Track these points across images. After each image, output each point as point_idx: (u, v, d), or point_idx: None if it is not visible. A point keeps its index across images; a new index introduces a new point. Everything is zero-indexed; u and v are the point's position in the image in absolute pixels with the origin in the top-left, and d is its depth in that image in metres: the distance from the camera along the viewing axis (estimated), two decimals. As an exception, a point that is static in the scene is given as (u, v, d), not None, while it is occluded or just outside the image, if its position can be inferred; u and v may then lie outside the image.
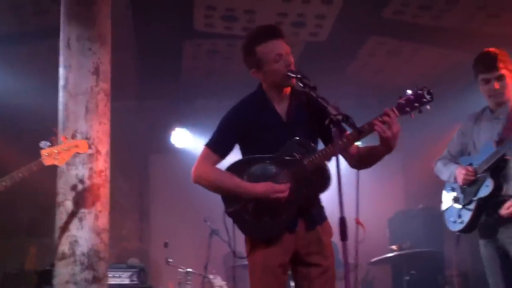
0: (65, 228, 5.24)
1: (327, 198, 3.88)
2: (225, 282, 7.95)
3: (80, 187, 5.29)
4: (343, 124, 3.42)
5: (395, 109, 3.65)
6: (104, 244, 5.34)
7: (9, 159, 7.07)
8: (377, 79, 9.75)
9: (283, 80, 3.83)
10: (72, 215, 5.24)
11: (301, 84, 3.67)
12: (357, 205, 3.47)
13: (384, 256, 8.21)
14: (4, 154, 8.51)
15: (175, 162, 9.75)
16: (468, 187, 4.74)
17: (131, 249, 9.66)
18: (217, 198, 3.95)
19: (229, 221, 3.88)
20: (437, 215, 6.29)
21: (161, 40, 8.23)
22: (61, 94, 5.51)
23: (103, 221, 5.35)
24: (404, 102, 3.68)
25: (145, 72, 9.22)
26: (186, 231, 9.61)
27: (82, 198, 5.28)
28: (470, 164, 4.77)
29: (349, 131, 3.64)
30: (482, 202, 4.63)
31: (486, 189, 4.59)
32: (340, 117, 3.37)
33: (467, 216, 4.74)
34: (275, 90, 3.93)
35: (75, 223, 5.24)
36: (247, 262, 3.94)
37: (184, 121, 10.20)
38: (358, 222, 3.34)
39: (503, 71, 4.70)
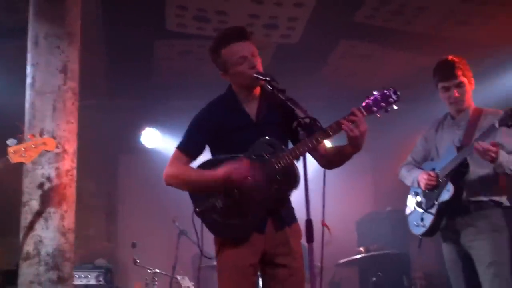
0: (30, 227, 5.19)
1: (295, 200, 3.90)
2: (193, 283, 7.92)
3: (46, 186, 5.25)
4: (311, 127, 3.43)
5: (362, 109, 3.70)
6: (69, 244, 5.30)
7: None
8: (349, 82, 9.79)
9: (251, 82, 3.84)
10: (38, 214, 5.20)
11: (269, 87, 3.68)
12: (323, 207, 3.47)
13: (351, 258, 8.25)
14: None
15: (145, 162, 9.71)
16: (430, 192, 4.82)
17: (99, 249, 9.58)
18: (186, 198, 3.94)
19: (198, 221, 3.87)
20: (404, 217, 6.35)
21: (133, 39, 8.18)
22: (28, 92, 5.46)
23: (69, 221, 5.31)
24: (371, 102, 3.74)
25: (116, 71, 9.15)
26: (155, 232, 9.58)
27: (48, 198, 5.24)
28: (433, 169, 4.86)
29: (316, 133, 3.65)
30: (443, 206, 4.71)
31: (447, 194, 4.67)
32: (307, 120, 3.39)
33: (428, 220, 4.82)
34: (244, 91, 3.94)
35: (40, 223, 5.20)
36: (215, 263, 3.94)
37: (154, 121, 10.16)
38: (324, 225, 3.34)
39: (462, 79, 4.80)
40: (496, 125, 4.39)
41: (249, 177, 3.71)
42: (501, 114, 4.42)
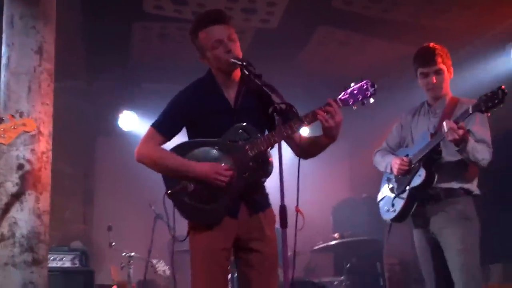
0: (5, 210, 5.15)
1: (271, 186, 3.91)
2: (169, 267, 7.94)
3: (21, 168, 5.21)
4: (286, 113, 3.44)
5: (338, 100, 3.72)
6: (44, 226, 5.27)
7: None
8: (326, 69, 9.80)
9: (227, 67, 3.83)
10: (12, 196, 5.16)
11: (246, 72, 3.68)
12: (297, 193, 3.49)
13: (326, 244, 8.31)
14: None
15: (122, 145, 9.65)
16: (403, 177, 4.86)
17: (74, 232, 9.55)
18: (162, 183, 3.93)
19: (171, 204, 3.88)
20: (380, 204, 6.42)
21: (110, 21, 8.12)
22: (3, 73, 5.40)
23: (44, 203, 5.29)
24: (347, 94, 3.75)
25: (93, 53, 9.08)
26: (131, 215, 9.56)
27: (23, 180, 5.20)
28: (407, 155, 4.88)
29: (292, 119, 3.66)
30: (414, 191, 4.75)
31: (418, 179, 4.71)
32: (283, 105, 3.40)
33: (399, 205, 4.86)
34: (222, 76, 3.94)
35: (15, 204, 5.16)
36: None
37: (132, 104, 10.11)
38: (297, 211, 3.36)
39: (441, 66, 4.83)
40: (470, 110, 4.41)
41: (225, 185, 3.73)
42: None
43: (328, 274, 9.44)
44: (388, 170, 5.03)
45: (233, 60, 3.76)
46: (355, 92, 3.75)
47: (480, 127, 4.69)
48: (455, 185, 4.70)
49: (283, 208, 3.19)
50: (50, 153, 5.42)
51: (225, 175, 3.72)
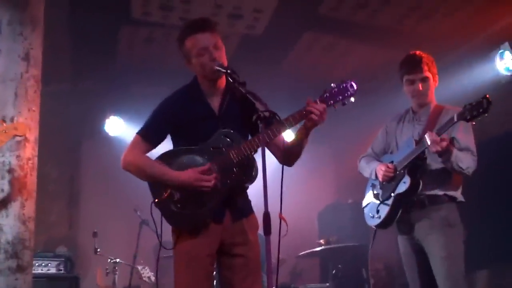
0: (-10, 215, 5.15)
1: (255, 193, 3.93)
2: (153, 273, 7.93)
3: (6, 174, 5.20)
4: (270, 121, 3.47)
5: (317, 101, 3.77)
6: (29, 233, 5.27)
7: None
8: (312, 74, 9.80)
9: (212, 74, 3.87)
10: (-1, 202, 5.16)
11: (230, 79, 3.71)
12: (281, 200, 3.51)
13: (312, 250, 8.32)
14: None
15: (108, 149, 9.63)
16: (388, 184, 4.89)
17: (60, 236, 9.51)
18: (148, 188, 3.95)
19: (158, 212, 3.89)
20: (365, 210, 6.43)
21: (97, 26, 8.12)
22: (-10, 79, 5.41)
23: (29, 209, 5.28)
24: (328, 94, 3.80)
25: (80, 57, 9.07)
26: (116, 220, 9.52)
27: (8, 186, 5.19)
28: (391, 162, 4.90)
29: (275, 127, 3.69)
30: (399, 198, 4.77)
31: (403, 186, 4.73)
32: (267, 113, 3.42)
33: (384, 211, 4.88)
34: (207, 83, 3.97)
35: (1, 211, 5.15)
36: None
37: (118, 109, 10.09)
38: (281, 217, 3.38)
39: (427, 74, 4.88)
40: (455, 118, 4.44)
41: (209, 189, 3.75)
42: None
43: (314, 279, 9.46)
44: (373, 176, 5.06)
45: (217, 67, 3.80)
46: (335, 92, 3.79)
47: (464, 134, 4.74)
48: (439, 192, 4.73)
49: (266, 215, 3.21)
50: (35, 159, 5.42)
51: (208, 179, 3.75)
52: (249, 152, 3.76)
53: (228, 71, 3.74)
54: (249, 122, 3.66)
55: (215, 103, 3.97)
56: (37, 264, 6.89)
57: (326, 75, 9.56)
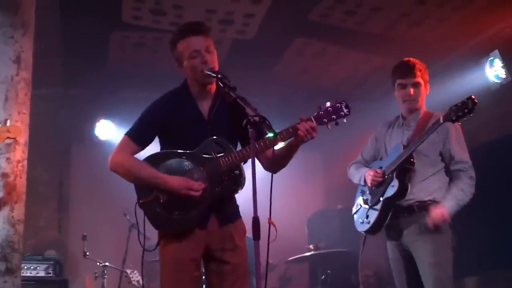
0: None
1: (245, 198, 3.93)
2: (141, 277, 7.92)
3: (-4, 177, 5.21)
4: (260, 126, 3.47)
5: (312, 118, 3.78)
6: (18, 236, 5.27)
7: None
8: (302, 79, 9.86)
9: (203, 78, 3.88)
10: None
11: (220, 84, 3.72)
12: (270, 205, 3.53)
13: (301, 255, 8.33)
14: None
15: (98, 153, 9.60)
16: (376, 189, 4.90)
17: (49, 240, 9.50)
18: (136, 192, 3.96)
19: (142, 213, 3.90)
20: (355, 216, 6.43)
21: (88, 29, 8.11)
22: (-20, 82, 5.41)
23: (19, 212, 5.29)
24: (322, 113, 3.82)
25: (71, 61, 9.06)
26: (106, 224, 9.52)
27: (-1, 188, 5.21)
28: (380, 168, 4.92)
29: (265, 132, 3.70)
30: (388, 202, 4.78)
31: (391, 189, 4.75)
32: (257, 118, 3.43)
33: (373, 216, 4.89)
34: (198, 86, 3.98)
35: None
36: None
37: (109, 113, 10.08)
38: (270, 222, 3.40)
39: (419, 79, 4.91)
40: (441, 120, 4.49)
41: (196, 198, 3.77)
42: None
43: (303, 285, 9.46)
44: (362, 182, 5.08)
45: (207, 72, 3.80)
46: (329, 111, 3.82)
47: (457, 146, 4.80)
48: (428, 197, 4.75)
49: (256, 220, 3.23)
50: (25, 162, 5.43)
51: (197, 189, 3.76)
52: (239, 162, 3.80)
53: (219, 75, 3.74)
54: (238, 127, 3.66)
55: (204, 107, 3.98)
56: (26, 267, 6.87)
57: (316, 81, 9.63)
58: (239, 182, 3.83)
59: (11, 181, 5.25)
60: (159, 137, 4.05)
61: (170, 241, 3.87)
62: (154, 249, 3.96)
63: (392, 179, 4.76)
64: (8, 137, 4.82)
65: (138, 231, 3.89)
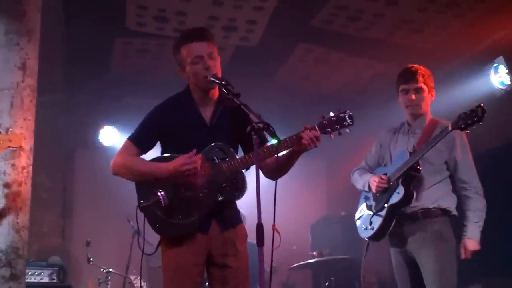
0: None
1: (248, 204, 3.96)
2: (146, 283, 7.93)
3: (1, 183, 5.22)
4: (264, 132, 3.49)
5: (316, 127, 3.79)
6: (23, 242, 5.28)
7: None
8: (304, 86, 9.87)
9: (206, 84, 3.90)
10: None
11: (224, 90, 3.73)
12: (274, 211, 3.54)
13: (304, 262, 8.33)
14: None
15: (101, 159, 9.59)
16: (381, 195, 4.89)
17: (53, 246, 9.50)
18: (138, 196, 3.97)
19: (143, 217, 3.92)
20: (358, 222, 6.42)
21: (92, 36, 8.15)
22: (-15, 88, 5.43)
23: (23, 218, 5.29)
24: (326, 122, 3.83)
25: (75, 67, 9.09)
26: (109, 230, 9.53)
27: (2, 195, 5.21)
28: (385, 174, 4.91)
29: (269, 139, 3.72)
30: (393, 209, 4.77)
31: (397, 196, 4.74)
32: (261, 125, 3.44)
33: (377, 222, 4.88)
34: (200, 92, 4.00)
35: (-6, 220, 5.17)
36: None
37: (112, 119, 10.10)
38: (274, 229, 3.41)
39: (422, 85, 4.90)
40: (450, 127, 4.49)
41: (198, 175, 3.76)
42: None
43: (307, 292, 9.48)
44: (366, 188, 5.06)
45: (211, 78, 3.82)
46: (333, 121, 3.82)
47: (463, 155, 4.80)
48: (433, 205, 4.75)
49: (259, 226, 3.24)
50: (30, 168, 5.44)
51: (194, 160, 3.75)
52: (242, 168, 3.82)
53: (223, 82, 3.76)
54: (240, 134, 3.69)
55: (207, 113, 4.00)
56: (30, 273, 6.89)
57: (318, 87, 9.64)
58: (241, 188, 3.86)
59: (16, 187, 5.27)
60: (160, 142, 4.06)
61: (172, 246, 3.88)
62: (153, 252, 3.97)
63: (397, 186, 4.75)
64: (9, 147, 4.84)
65: (138, 234, 3.91)
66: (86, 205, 10.20)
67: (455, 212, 4.82)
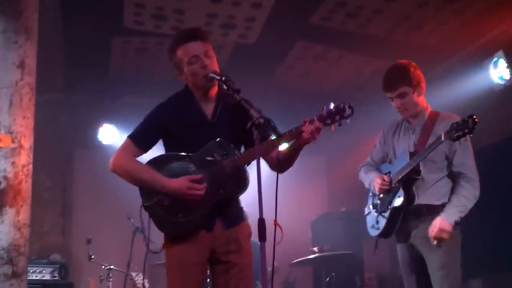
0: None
1: (250, 200, 3.96)
2: (147, 280, 7.94)
3: (1, 181, 5.22)
4: (265, 128, 3.49)
5: (315, 120, 3.75)
6: (24, 239, 5.27)
7: None
8: (303, 83, 9.87)
9: (205, 82, 3.90)
10: (-6, 209, 5.17)
11: (224, 86, 3.73)
12: (276, 207, 3.54)
13: (305, 258, 8.34)
14: None
15: (101, 157, 9.58)
16: (384, 195, 4.90)
17: (53, 244, 9.51)
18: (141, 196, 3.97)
19: (147, 215, 3.93)
20: (358, 218, 6.42)
21: (90, 35, 8.15)
22: (-16, 87, 5.43)
23: (24, 216, 5.29)
24: (326, 114, 3.77)
25: (73, 66, 9.09)
26: (110, 228, 9.52)
27: (3, 193, 5.20)
28: (389, 173, 4.92)
29: (270, 134, 3.72)
30: (395, 211, 4.79)
31: (398, 200, 4.76)
32: (261, 120, 3.44)
33: (382, 222, 4.90)
34: (199, 91, 3.99)
35: (-5, 217, 5.17)
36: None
37: (111, 117, 10.10)
38: (276, 224, 3.41)
39: (403, 89, 4.83)
40: (442, 137, 4.47)
41: (199, 198, 3.77)
42: (454, 121, 4.47)
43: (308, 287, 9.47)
44: (372, 187, 5.07)
45: (211, 74, 3.82)
46: (333, 112, 3.77)
47: (462, 147, 4.74)
48: (436, 201, 4.75)
49: (261, 222, 3.24)
50: (30, 166, 5.43)
51: (198, 188, 3.77)
52: (243, 164, 3.81)
53: (223, 78, 3.76)
54: (242, 130, 3.68)
55: (208, 109, 4.00)
56: (31, 270, 6.91)
57: (317, 84, 9.64)
58: (242, 184, 3.85)
59: (16, 185, 5.27)
60: (163, 140, 4.06)
61: (176, 244, 3.88)
62: (159, 252, 3.98)
63: (398, 189, 4.77)
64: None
65: (143, 233, 3.92)
66: (86, 204, 10.20)
67: None
